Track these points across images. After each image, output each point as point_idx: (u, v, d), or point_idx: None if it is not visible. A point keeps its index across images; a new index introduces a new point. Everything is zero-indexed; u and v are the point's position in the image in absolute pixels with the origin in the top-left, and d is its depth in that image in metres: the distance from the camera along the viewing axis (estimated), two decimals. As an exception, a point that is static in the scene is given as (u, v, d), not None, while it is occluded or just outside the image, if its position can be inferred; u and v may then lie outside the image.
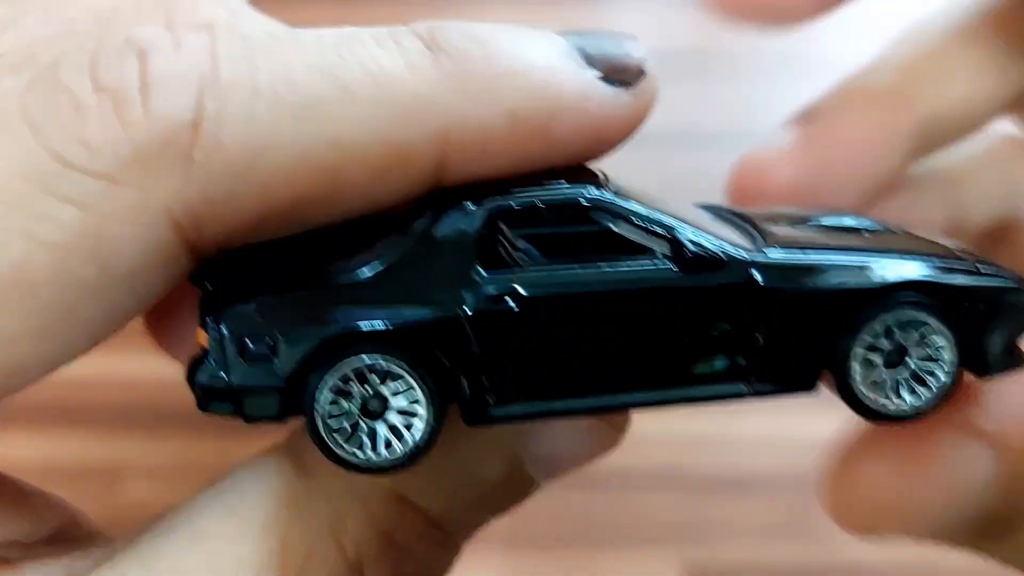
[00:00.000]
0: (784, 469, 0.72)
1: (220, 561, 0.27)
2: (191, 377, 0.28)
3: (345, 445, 0.27)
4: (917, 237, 0.33)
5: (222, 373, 0.27)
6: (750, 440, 0.74)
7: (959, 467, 0.31)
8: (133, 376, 0.72)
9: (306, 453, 0.29)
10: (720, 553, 0.69)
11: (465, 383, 0.28)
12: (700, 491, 0.72)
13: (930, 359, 0.30)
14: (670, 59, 0.93)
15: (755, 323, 0.29)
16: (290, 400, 0.27)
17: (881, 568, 0.67)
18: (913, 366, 0.30)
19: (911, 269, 0.29)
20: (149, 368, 0.45)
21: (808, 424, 0.37)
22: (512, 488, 0.32)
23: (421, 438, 0.28)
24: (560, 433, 0.32)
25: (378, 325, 0.27)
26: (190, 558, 0.27)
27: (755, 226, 0.32)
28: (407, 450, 0.28)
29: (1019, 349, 0.31)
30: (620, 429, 0.33)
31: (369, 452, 0.28)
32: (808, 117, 0.42)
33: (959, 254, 0.31)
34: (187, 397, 0.29)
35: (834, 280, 0.29)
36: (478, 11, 0.89)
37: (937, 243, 0.32)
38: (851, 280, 0.29)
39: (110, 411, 0.75)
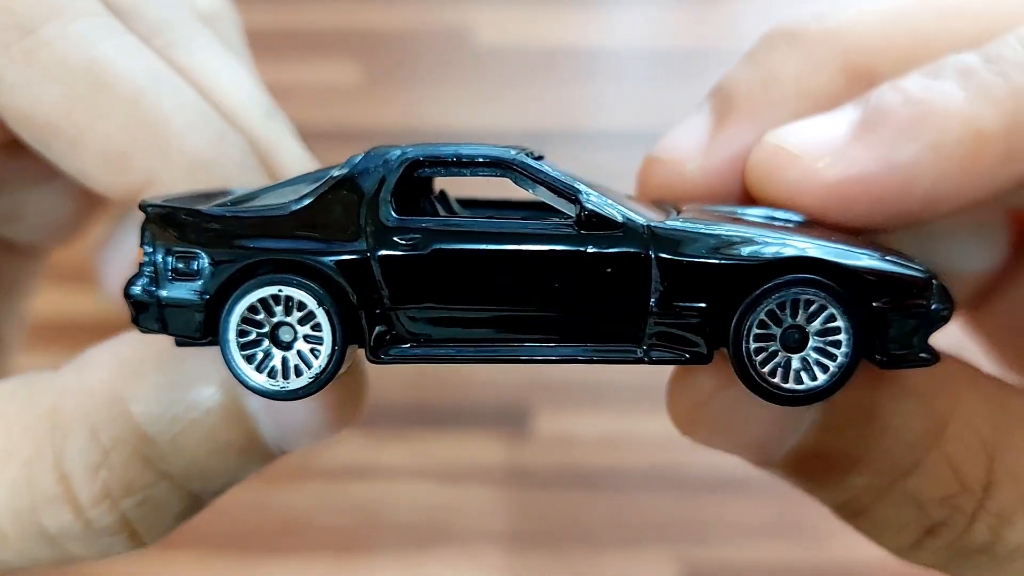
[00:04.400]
0: (780, 469, 0.72)
1: None
2: (126, 291, 0.30)
3: (249, 367, 0.29)
4: (842, 231, 0.31)
5: (152, 287, 0.30)
6: (746, 440, 0.74)
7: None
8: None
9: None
10: (716, 552, 0.70)
11: (368, 320, 0.30)
12: (696, 491, 0.72)
13: (829, 344, 0.28)
14: (668, 59, 0.93)
15: (650, 285, 0.29)
16: (211, 321, 0.29)
17: (874, 568, 0.67)
18: (811, 350, 0.28)
19: (808, 247, 0.28)
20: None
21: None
22: (231, 423, 0.32)
23: (322, 369, 0.29)
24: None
25: (295, 256, 0.29)
26: None
27: (676, 207, 0.32)
28: (306, 381, 0.29)
29: (928, 344, 0.29)
30: (355, 406, 0.34)
31: (270, 378, 0.29)
32: (721, 100, 0.37)
33: (875, 245, 0.30)
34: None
35: (728, 250, 0.29)
36: (478, 10, 0.89)
37: (862, 238, 0.30)
38: (744, 251, 0.28)
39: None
